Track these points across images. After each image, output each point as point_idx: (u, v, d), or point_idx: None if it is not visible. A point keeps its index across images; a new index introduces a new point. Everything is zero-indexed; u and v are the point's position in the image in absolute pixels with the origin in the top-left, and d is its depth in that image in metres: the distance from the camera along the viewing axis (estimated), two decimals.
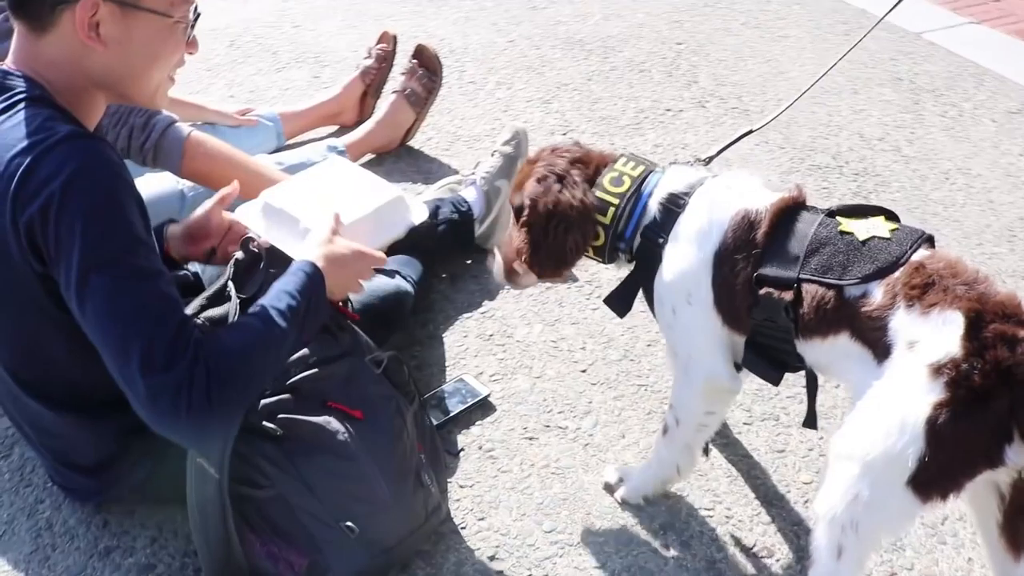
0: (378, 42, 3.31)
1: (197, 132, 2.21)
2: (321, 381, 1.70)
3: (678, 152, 3.23)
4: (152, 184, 2.56)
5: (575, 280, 2.57)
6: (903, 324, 1.46)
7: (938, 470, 1.40)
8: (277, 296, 1.58)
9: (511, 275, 1.91)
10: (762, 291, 1.62)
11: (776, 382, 1.77)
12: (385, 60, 3.27)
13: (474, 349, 2.35)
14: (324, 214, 1.76)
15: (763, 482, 2.04)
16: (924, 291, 1.46)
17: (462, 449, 2.07)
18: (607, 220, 1.78)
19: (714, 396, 1.79)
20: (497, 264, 1.93)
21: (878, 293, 1.51)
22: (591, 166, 1.83)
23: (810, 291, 1.58)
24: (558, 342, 2.38)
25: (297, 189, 1.91)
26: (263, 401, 1.64)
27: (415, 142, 3.18)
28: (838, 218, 1.64)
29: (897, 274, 1.50)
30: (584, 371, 2.30)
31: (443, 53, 3.69)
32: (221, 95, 3.40)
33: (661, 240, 1.73)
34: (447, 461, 2.02)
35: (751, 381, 2.23)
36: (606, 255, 1.83)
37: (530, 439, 2.11)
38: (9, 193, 1.41)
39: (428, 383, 2.24)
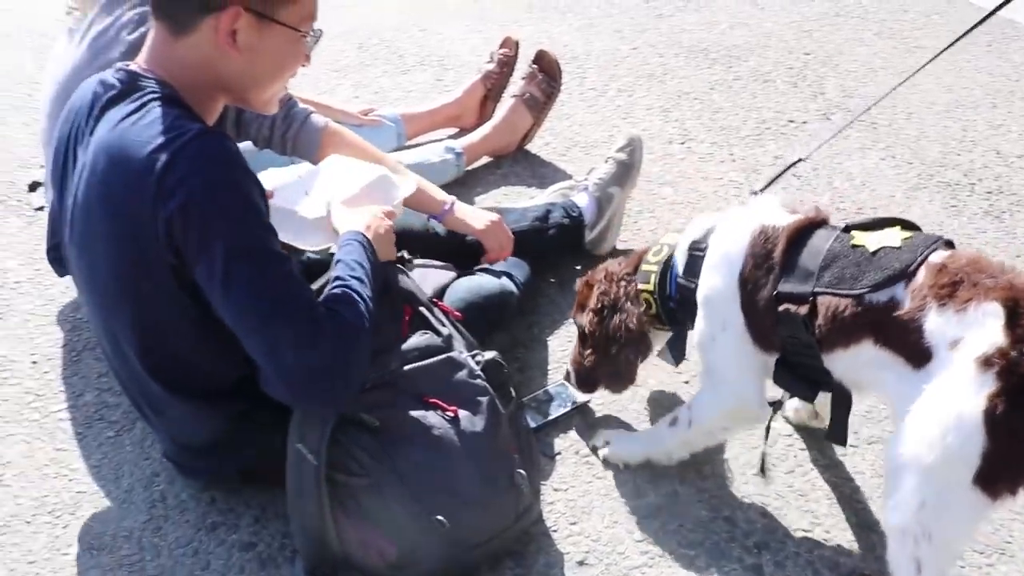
0: (500, 47, 3.35)
1: (333, 123, 2.31)
2: (420, 377, 1.75)
3: (799, 164, 3.15)
4: (276, 178, 2.67)
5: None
6: (940, 325, 1.48)
7: (1004, 463, 1.40)
8: (350, 266, 1.69)
9: (585, 385, 2.09)
10: (781, 308, 1.67)
11: (811, 399, 1.88)
12: (506, 65, 3.31)
13: None
14: (320, 198, 1.93)
15: (864, 507, 1.98)
16: (954, 289, 1.48)
17: (559, 453, 2.08)
18: (651, 287, 1.96)
19: (737, 418, 1.88)
20: (572, 377, 2.11)
21: (905, 298, 1.53)
22: (631, 268, 2.02)
23: (824, 303, 1.63)
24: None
25: (291, 186, 2.04)
26: (363, 393, 1.69)
27: (532, 146, 3.21)
28: (852, 232, 1.69)
29: (921, 278, 1.52)
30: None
31: (565, 59, 3.72)
32: (347, 95, 3.51)
33: (693, 284, 1.85)
34: (542, 464, 2.04)
35: (860, 402, 2.18)
36: (664, 319, 1.99)
37: None
38: (150, 188, 1.50)
39: (529, 385, 2.26)
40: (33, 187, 2.89)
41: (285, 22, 1.60)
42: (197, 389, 1.78)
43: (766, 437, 1.94)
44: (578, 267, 2.63)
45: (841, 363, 1.66)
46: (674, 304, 1.94)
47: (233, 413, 1.80)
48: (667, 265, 1.94)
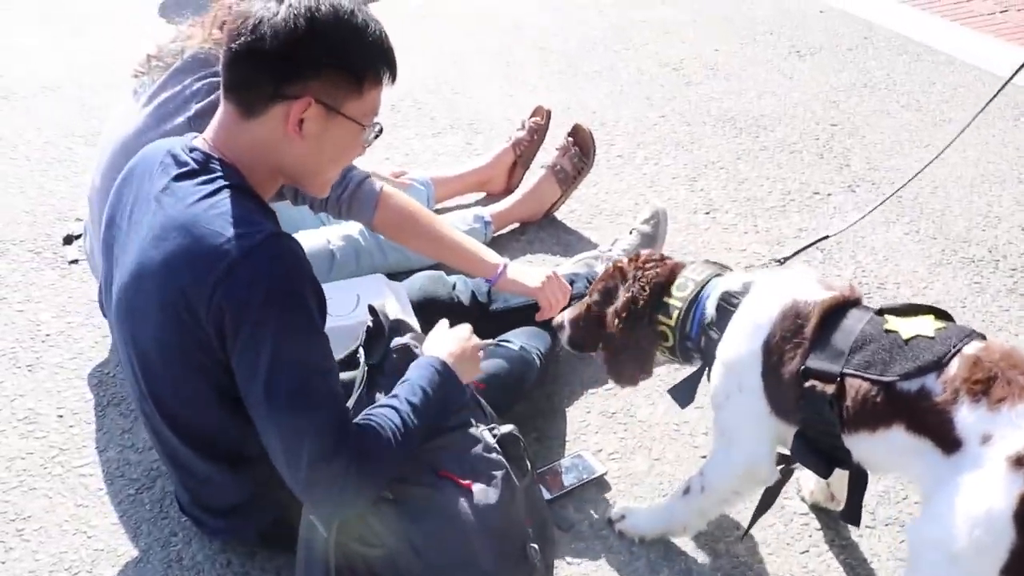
0: (532, 115, 3.41)
1: (388, 187, 2.34)
2: (436, 451, 1.76)
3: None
4: (304, 241, 2.72)
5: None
6: (972, 419, 1.51)
7: None
8: (412, 390, 1.73)
9: (574, 346, 2.16)
10: (807, 383, 1.68)
11: (826, 475, 1.83)
12: (537, 133, 3.37)
13: (596, 426, 2.37)
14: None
15: None
16: (988, 385, 1.51)
17: (573, 525, 2.09)
18: (672, 323, 1.93)
19: (748, 480, 1.88)
20: (564, 333, 2.15)
21: (937, 389, 1.55)
22: (665, 275, 1.98)
23: (853, 385, 1.64)
24: (680, 425, 2.37)
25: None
26: None
27: (558, 213, 3.25)
28: (886, 316, 1.70)
29: (954, 370, 1.55)
30: (704, 456, 2.27)
31: (594, 125, 3.77)
32: (379, 157, 3.58)
33: (717, 337, 1.85)
34: (557, 536, 2.04)
35: (877, 482, 2.17)
36: (678, 354, 1.98)
37: None
38: (213, 279, 1.55)
39: (547, 455, 2.27)
40: (68, 240, 2.97)
41: (350, 115, 1.65)
42: (224, 455, 1.81)
43: (761, 501, 1.94)
44: None
45: (865, 445, 1.68)
46: (692, 345, 1.94)
47: (257, 478, 1.82)
48: (693, 304, 1.92)
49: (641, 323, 1.96)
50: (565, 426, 2.37)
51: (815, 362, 1.68)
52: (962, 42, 4.87)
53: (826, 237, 2.12)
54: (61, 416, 2.38)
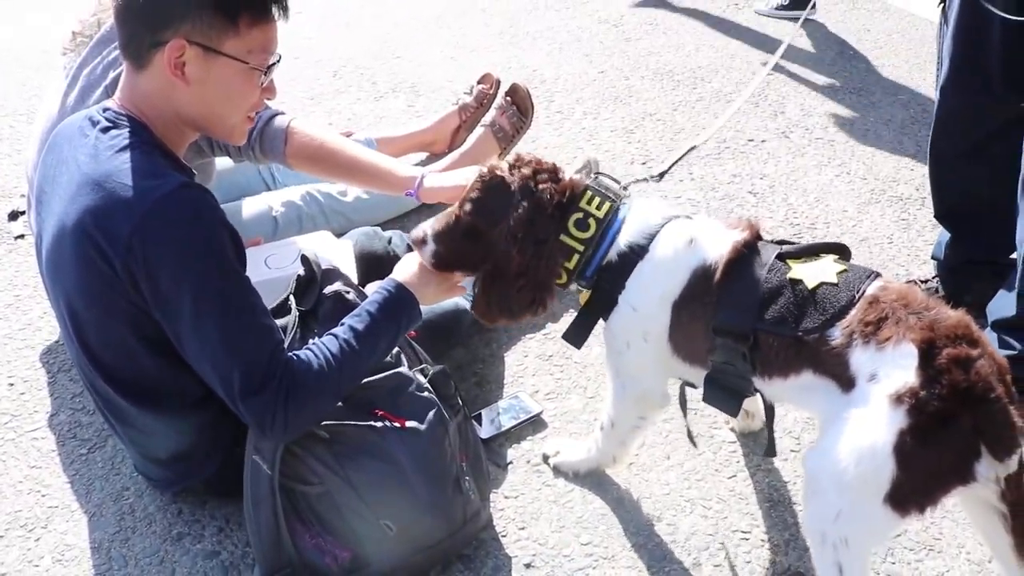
0: (480, 81, 3.45)
1: (296, 120, 2.34)
2: (370, 390, 1.84)
3: (756, 182, 3.27)
4: (248, 208, 2.78)
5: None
6: (861, 359, 1.57)
7: (911, 489, 1.51)
8: (358, 314, 1.80)
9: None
10: (719, 339, 1.72)
11: (735, 414, 1.90)
12: (484, 100, 3.42)
13: (533, 368, 2.46)
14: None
15: (802, 509, 2.07)
16: (878, 326, 1.56)
17: (511, 462, 2.18)
18: (571, 266, 1.86)
19: (645, 407, 1.98)
20: (428, 251, 1.91)
21: (836, 333, 1.60)
22: (560, 197, 1.84)
23: (766, 340, 1.68)
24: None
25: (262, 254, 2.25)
26: None
27: None
28: (788, 262, 1.72)
29: (851, 312, 1.60)
30: None
31: (534, 83, 3.84)
32: (322, 122, 3.62)
33: (619, 283, 1.82)
34: (495, 473, 2.13)
35: (800, 411, 2.28)
36: (564, 286, 1.92)
37: None
38: (125, 231, 1.61)
39: (486, 399, 2.35)
40: (13, 216, 3.01)
41: (230, 54, 1.68)
42: (162, 403, 1.87)
43: (684, 414, 2.07)
44: None
45: (776, 388, 1.74)
46: (584, 284, 1.89)
47: (198, 426, 1.90)
48: (593, 246, 1.83)
49: (542, 249, 1.82)
50: (503, 370, 2.45)
51: (726, 319, 1.71)
52: None
53: (693, 148, 2.13)
54: (12, 384, 2.43)
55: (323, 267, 1.97)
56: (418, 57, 4.24)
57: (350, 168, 2.31)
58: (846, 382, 1.59)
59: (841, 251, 1.79)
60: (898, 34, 4.48)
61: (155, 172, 1.67)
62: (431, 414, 1.87)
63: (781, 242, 1.82)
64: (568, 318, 2.62)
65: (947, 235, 2.56)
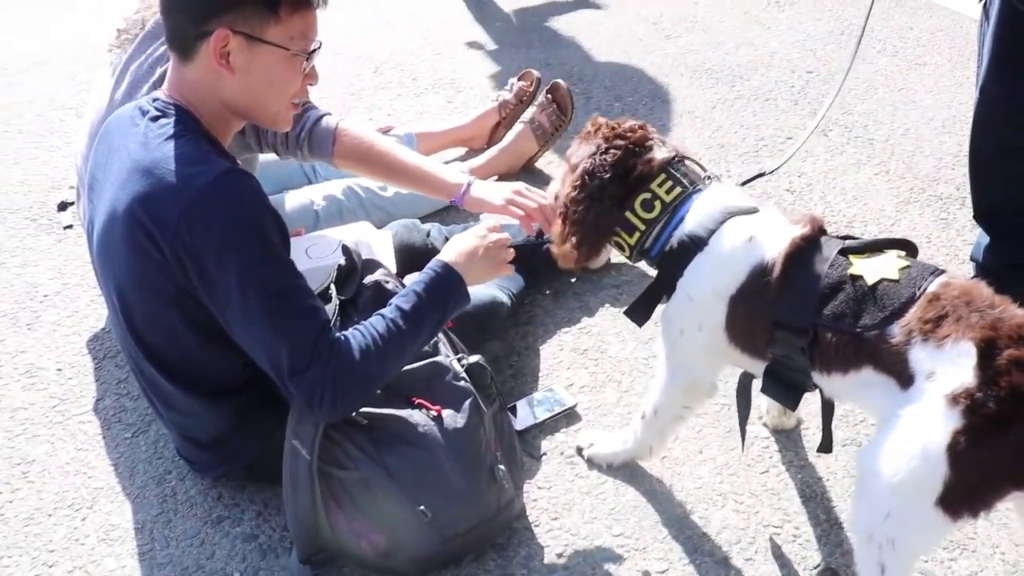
0: (520, 78, 3.48)
1: (345, 121, 2.39)
2: (407, 378, 1.88)
3: (793, 180, 3.26)
4: (290, 201, 2.84)
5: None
6: (920, 357, 1.54)
7: (964, 492, 1.49)
8: (405, 295, 1.85)
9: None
10: (778, 333, 1.72)
11: (794, 407, 1.88)
12: (524, 98, 3.44)
13: (568, 361, 2.48)
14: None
15: (836, 505, 2.08)
16: (937, 324, 1.54)
17: (544, 453, 2.20)
18: (632, 242, 1.90)
19: (693, 396, 1.98)
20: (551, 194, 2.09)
21: (896, 330, 1.58)
22: (631, 174, 1.89)
23: (825, 335, 1.67)
24: (649, 359, 2.47)
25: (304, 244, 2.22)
26: None
27: (538, 164, 3.34)
28: (850, 258, 1.70)
29: (913, 309, 1.58)
30: None
31: (572, 80, 3.87)
32: (362, 118, 3.67)
33: (678, 271, 1.85)
34: (528, 463, 2.16)
35: (837, 406, 2.28)
36: (631, 259, 1.98)
37: None
38: (173, 216, 1.67)
39: (523, 390, 2.38)
40: (63, 207, 3.09)
41: (273, 41, 1.73)
42: (205, 386, 1.93)
43: (745, 416, 1.99)
44: (573, 280, 2.76)
45: (836, 384, 1.73)
46: (649, 262, 1.94)
47: (239, 409, 1.95)
48: (657, 227, 1.87)
49: (599, 214, 1.90)
50: (539, 363, 2.48)
51: (785, 314, 1.70)
52: None
53: (761, 174, 2.14)
54: (60, 370, 2.50)
55: (363, 257, 2.00)
56: (458, 54, 4.27)
57: (397, 171, 2.36)
58: (905, 380, 1.56)
59: (907, 247, 1.77)
60: (941, 32, 4.43)
61: (201, 159, 1.72)
62: (467, 403, 1.90)
63: (846, 237, 1.79)
64: (603, 312, 2.64)
65: (986, 237, 2.54)
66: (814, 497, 2.09)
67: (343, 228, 2.56)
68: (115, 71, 2.51)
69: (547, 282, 2.73)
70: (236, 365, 1.85)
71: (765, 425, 2.27)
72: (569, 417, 2.30)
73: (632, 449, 2.12)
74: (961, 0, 4.69)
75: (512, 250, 2.03)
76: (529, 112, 3.32)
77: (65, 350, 2.57)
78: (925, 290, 1.59)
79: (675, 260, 1.85)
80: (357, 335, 1.77)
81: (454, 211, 3.03)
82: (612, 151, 1.90)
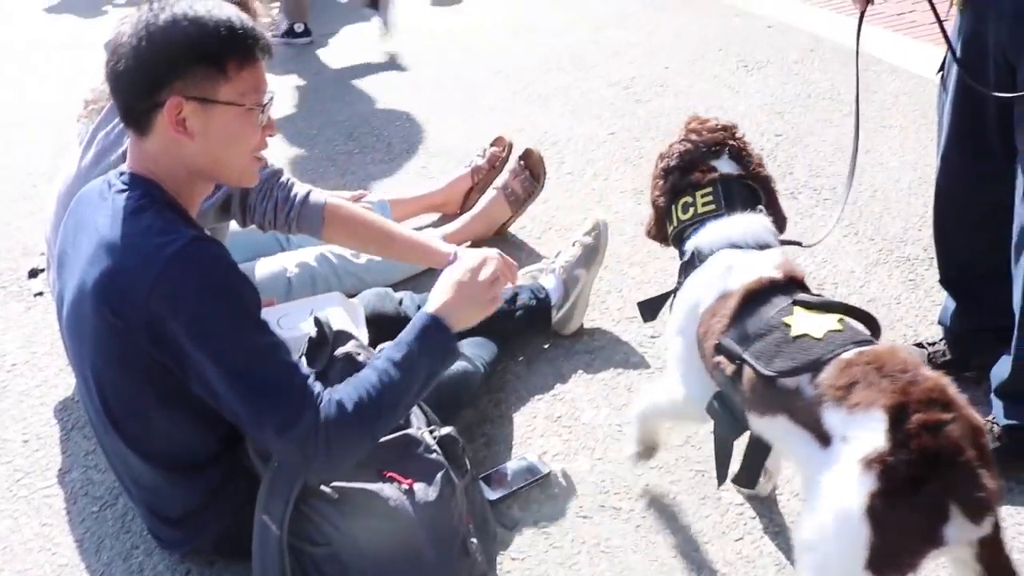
0: (493, 144, 3.52)
1: (332, 199, 2.44)
2: (379, 451, 1.86)
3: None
4: (262, 268, 2.84)
5: None
6: (834, 421, 1.59)
7: (887, 554, 1.51)
8: (397, 345, 1.85)
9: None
10: (716, 358, 1.83)
11: (734, 435, 1.94)
12: (496, 163, 3.48)
13: (541, 429, 2.47)
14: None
15: None
16: (849, 390, 1.58)
17: (518, 524, 2.19)
18: (669, 231, 2.10)
19: (678, 409, 2.08)
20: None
21: (809, 390, 1.65)
22: (693, 171, 2.05)
23: (747, 371, 1.76)
24: (623, 426, 2.47)
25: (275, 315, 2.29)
26: None
27: (510, 229, 3.36)
28: (795, 308, 1.77)
29: (826, 372, 1.63)
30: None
31: (545, 144, 3.91)
32: (336, 184, 3.69)
33: (683, 278, 2.02)
34: (502, 534, 2.14)
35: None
36: (671, 243, 2.13)
37: (584, 518, 2.20)
38: (142, 290, 1.66)
39: (495, 459, 2.37)
40: (33, 274, 3.06)
41: (226, 100, 1.73)
42: (176, 462, 1.91)
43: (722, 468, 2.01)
44: (546, 346, 2.76)
45: (758, 423, 1.81)
46: (676, 242, 2.09)
47: (210, 485, 1.93)
48: (684, 228, 2.04)
49: (660, 199, 2.10)
50: (512, 431, 2.47)
51: (726, 341, 1.81)
52: (905, 52, 5.03)
53: (798, 243, 2.24)
54: (26, 441, 2.47)
55: (335, 329, 2.00)
56: (432, 118, 4.32)
57: (389, 243, 2.45)
58: (822, 438, 1.61)
59: (867, 320, 1.81)
60: (905, 95, 4.53)
61: (167, 229, 1.72)
62: (439, 476, 1.89)
63: (817, 296, 1.86)
64: (576, 378, 2.65)
65: (953, 302, 2.58)
66: (789, 565, 2.08)
67: (314, 299, 2.56)
68: (82, 140, 2.53)
69: (520, 348, 2.73)
70: (209, 440, 1.83)
71: (738, 490, 2.27)
72: (543, 486, 2.29)
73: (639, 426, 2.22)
74: (923, 63, 4.81)
75: (498, 280, 2.02)
76: (502, 178, 3.35)
77: (32, 421, 2.54)
78: (839, 355, 1.64)
79: (684, 269, 2.03)
80: (347, 387, 1.77)
81: (427, 278, 3.03)
82: (686, 143, 2.08)
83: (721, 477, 1.99)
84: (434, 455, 1.92)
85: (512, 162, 3.38)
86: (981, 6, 2.13)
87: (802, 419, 1.65)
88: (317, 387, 1.73)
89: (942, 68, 2.35)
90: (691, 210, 2.02)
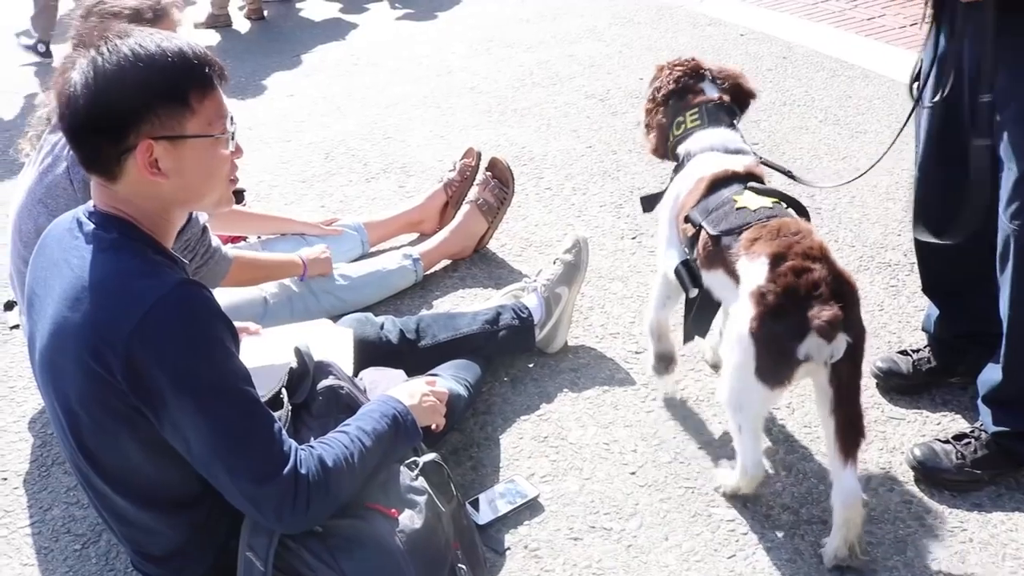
0: (463, 157, 3.52)
1: (237, 252, 2.71)
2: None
3: None
4: (237, 292, 2.80)
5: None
6: (742, 265, 2.08)
7: (767, 363, 2.00)
8: (367, 417, 1.85)
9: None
10: (684, 226, 2.31)
11: (688, 291, 2.38)
12: (468, 174, 3.47)
13: (528, 451, 2.45)
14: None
15: None
16: (753, 243, 2.07)
17: (508, 548, 2.16)
18: (671, 143, 2.53)
19: (668, 286, 2.51)
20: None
21: (735, 245, 2.12)
22: (684, 101, 2.51)
23: (702, 234, 2.23)
24: (610, 444, 2.45)
25: (262, 342, 2.30)
26: None
27: (489, 247, 3.35)
28: (744, 191, 2.24)
29: (746, 232, 2.10)
30: (633, 473, 2.37)
31: (523, 160, 3.90)
32: (313, 205, 3.66)
33: (677, 171, 2.48)
34: (492, 559, 2.11)
35: (800, 484, 2.28)
36: (669, 156, 2.57)
37: (575, 540, 2.18)
38: (123, 335, 1.60)
39: (482, 483, 2.35)
40: (8, 306, 3.02)
41: (195, 133, 1.69)
42: (159, 501, 1.86)
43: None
44: (530, 365, 2.74)
45: (708, 278, 2.28)
46: (672, 155, 2.52)
47: (194, 522, 1.88)
48: (688, 130, 2.46)
49: (664, 110, 2.54)
50: (499, 452, 2.45)
51: (692, 213, 2.28)
52: (876, 56, 5.07)
53: (789, 173, 2.69)
54: (5, 479, 2.42)
55: (317, 359, 1.98)
56: (408, 138, 4.30)
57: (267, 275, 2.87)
58: (738, 281, 2.10)
59: (791, 202, 2.28)
60: (879, 100, 4.56)
61: (150, 271, 1.68)
62: (423, 502, 1.86)
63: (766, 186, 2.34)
64: (561, 397, 2.63)
65: (935, 309, 2.58)
66: None
67: (303, 324, 2.53)
68: (32, 161, 2.52)
69: (505, 369, 2.71)
70: (191, 480, 1.79)
71: (705, 361, 2.73)
72: (532, 508, 2.27)
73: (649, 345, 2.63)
74: (895, 67, 4.84)
75: (444, 415, 2.13)
76: (472, 192, 3.34)
77: (11, 458, 2.49)
78: (760, 220, 2.10)
79: (676, 169, 2.49)
80: (324, 445, 1.76)
81: (408, 300, 3.02)
82: (675, 73, 2.54)
83: (687, 336, 2.49)
84: (419, 482, 1.90)
85: (480, 174, 3.37)
86: (954, 21, 2.14)
87: (729, 269, 2.13)
88: (291, 443, 1.71)
89: (916, 79, 2.36)
90: (682, 127, 2.48)
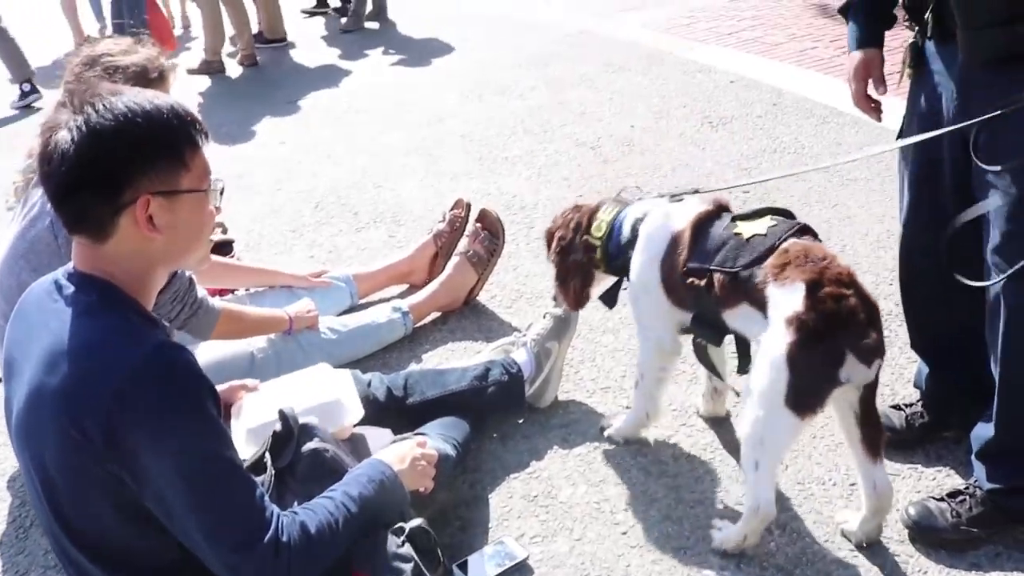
0: (452, 207, 3.51)
1: (224, 304, 2.75)
2: (347, 551, 1.80)
3: None
4: (224, 347, 2.77)
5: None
6: (771, 293, 2.05)
7: (802, 391, 1.99)
8: (355, 482, 1.83)
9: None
10: (688, 280, 2.23)
11: (718, 343, 2.40)
12: (457, 225, 3.46)
13: (518, 510, 2.41)
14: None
15: None
16: (783, 269, 2.05)
17: None
18: (600, 239, 2.51)
19: (662, 354, 2.47)
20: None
21: (759, 274, 2.09)
22: (586, 219, 2.57)
23: (717, 277, 2.18)
24: (601, 503, 2.41)
25: (265, 397, 2.28)
26: None
27: (479, 298, 3.33)
28: (736, 222, 2.22)
29: (770, 259, 2.09)
30: (624, 533, 2.32)
31: (513, 209, 3.89)
32: (303, 256, 3.65)
33: (629, 253, 2.42)
34: None
35: (793, 544, 2.24)
36: (605, 266, 2.54)
37: None
38: (103, 400, 1.57)
39: (471, 544, 2.30)
40: None
41: (189, 188, 1.68)
42: (134, 569, 1.82)
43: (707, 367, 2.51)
44: (520, 421, 2.71)
45: (731, 317, 2.22)
46: (613, 257, 2.48)
47: None
48: (608, 238, 2.48)
49: (573, 252, 2.57)
50: (488, 512, 2.40)
51: (693, 264, 2.23)
52: None
53: (696, 191, 2.54)
54: None
55: (300, 422, 1.95)
56: (398, 187, 4.30)
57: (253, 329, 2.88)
58: (764, 308, 2.06)
59: (781, 212, 2.26)
60: (869, 147, 4.56)
61: (130, 335, 1.64)
62: (409, 571, 1.82)
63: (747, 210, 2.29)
64: (552, 454, 2.59)
65: (926, 366, 2.56)
66: None
67: (301, 372, 2.47)
68: (14, 219, 2.51)
69: (494, 425, 2.68)
70: (169, 548, 1.75)
71: (699, 414, 2.69)
72: (521, 571, 2.22)
73: (635, 418, 2.58)
74: (885, 115, 4.86)
75: (433, 477, 2.10)
76: (462, 244, 3.33)
77: None
78: (780, 243, 2.09)
79: (628, 246, 2.43)
80: (308, 511, 1.74)
81: (396, 353, 2.99)
82: (570, 222, 2.61)
83: (718, 376, 2.53)
84: (404, 549, 1.86)
85: (470, 225, 3.36)
86: (931, 77, 2.15)
87: (755, 299, 2.09)
88: (274, 509, 1.68)
89: (901, 135, 2.36)
90: (603, 225, 2.50)
